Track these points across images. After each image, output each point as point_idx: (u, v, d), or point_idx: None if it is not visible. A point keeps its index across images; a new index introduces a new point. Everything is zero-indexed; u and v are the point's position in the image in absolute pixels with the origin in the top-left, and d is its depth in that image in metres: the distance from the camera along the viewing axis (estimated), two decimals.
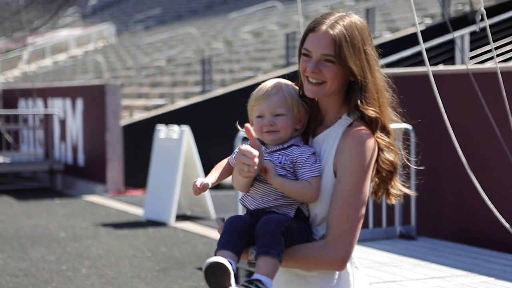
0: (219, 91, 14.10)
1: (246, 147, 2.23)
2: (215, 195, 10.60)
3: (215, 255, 2.22)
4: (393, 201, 2.39)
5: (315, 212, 2.31)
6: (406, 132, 6.45)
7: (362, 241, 6.19)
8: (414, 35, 13.41)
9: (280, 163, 2.31)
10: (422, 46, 4.85)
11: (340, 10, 2.35)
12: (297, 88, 2.39)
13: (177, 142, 9.89)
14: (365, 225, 6.36)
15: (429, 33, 11.91)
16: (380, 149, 2.29)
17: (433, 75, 5.08)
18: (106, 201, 12.06)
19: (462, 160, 4.98)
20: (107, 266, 7.52)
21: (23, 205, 11.82)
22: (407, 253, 5.84)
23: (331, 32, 2.27)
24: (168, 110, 13.71)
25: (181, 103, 14.02)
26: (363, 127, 2.28)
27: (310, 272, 2.30)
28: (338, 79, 2.29)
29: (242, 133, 2.47)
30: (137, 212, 10.82)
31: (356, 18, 2.32)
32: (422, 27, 13.38)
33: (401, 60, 9.91)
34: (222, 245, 2.22)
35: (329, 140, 2.32)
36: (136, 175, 12.77)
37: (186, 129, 9.91)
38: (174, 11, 30.92)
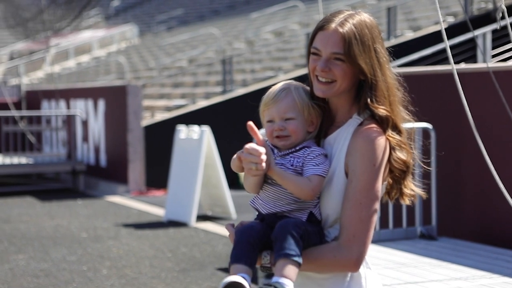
0: (240, 91, 14.09)
1: (251, 145, 2.18)
2: (235, 196, 10.60)
3: (229, 267, 2.20)
4: (407, 201, 2.35)
5: (327, 213, 2.28)
6: (426, 131, 6.39)
7: (382, 241, 6.15)
8: (436, 33, 13.35)
9: (292, 165, 2.27)
10: (447, 44, 4.78)
11: (350, 9, 2.32)
12: (308, 89, 2.35)
13: (197, 143, 9.89)
14: (385, 225, 6.31)
15: (451, 32, 11.80)
16: (392, 148, 2.25)
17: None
18: (127, 202, 12.10)
19: (485, 159, 4.91)
20: (127, 267, 7.53)
21: (45, 205, 11.89)
22: (427, 254, 5.78)
23: (341, 30, 2.24)
24: (189, 111, 13.72)
25: (202, 103, 14.02)
26: (373, 126, 2.25)
27: (322, 274, 2.27)
28: (348, 78, 2.26)
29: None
30: (159, 212, 10.84)
31: (365, 16, 2.29)
32: (445, 26, 13.27)
33: (423, 58, 9.84)
34: (235, 259, 2.20)
35: (340, 140, 2.29)
36: (158, 176, 12.79)
37: (207, 129, 9.90)
38: (196, 12, 30.99)
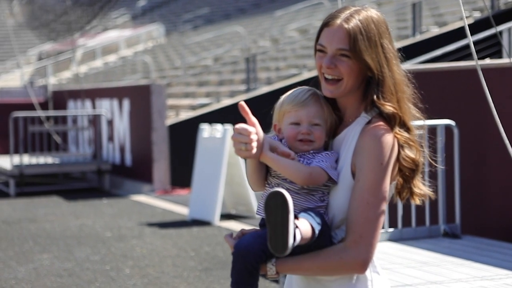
0: (264, 89, 14.05)
1: (241, 125, 2.15)
2: (259, 194, 10.56)
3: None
4: (417, 201, 2.30)
5: (333, 213, 2.23)
6: (449, 128, 6.30)
7: (405, 240, 6.07)
8: (462, 29, 13.17)
9: None
10: (470, 40, 4.70)
11: (356, 5, 2.28)
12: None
13: (220, 141, 9.87)
14: (408, 223, 6.23)
15: (477, 27, 11.67)
16: (400, 146, 2.21)
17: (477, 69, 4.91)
18: (152, 201, 12.12)
19: (511, 155, 4.80)
20: (150, 266, 7.53)
21: (71, 205, 11.95)
22: (450, 252, 5.69)
23: (346, 26, 2.20)
24: (213, 109, 13.71)
25: (226, 102, 14.00)
26: (381, 123, 2.20)
27: (328, 276, 2.23)
28: (355, 75, 2.21)
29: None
30: (183, 211, 10.84)
31: (372, 12, 2.25)
32: (470, 21, 13.11)
33: (447, 54, 9.73)
34: (235, 285, 2.16)
35: (347, 139, 2.25)
36: (183, 174, 12.80)
37: (230, 128, 9.88)
38: (222, 10, 31.01)
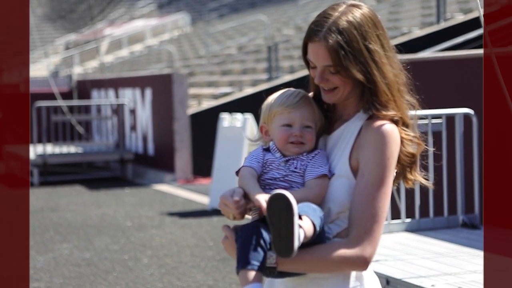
0: (286, 78, 13.97)
1: (224, 194, 2.15)
2: None
3: (237, 273, 2.10)
4: (411, 184, 2.28)
5: (328, 206, 2.18)
6: (467, 116, 6.20)
7: (422, 231, 5.99)
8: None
9: (295, 168, 2.21)
10: (483, 26, 4.59)
11: (343, 3, 2.20)
12: None
13: (240, 130, 9.83)
14: (426, 214, 6.14)
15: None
16: (401, 142, 2.19)
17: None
18: (174, 190, 12.13)
19: None
20: (168, 256, 7.53)
21: (93, 194, 12.00)
22: (468, 243, 5.60)
23: (326, 44, 2.14)
24: (235, 98, 13.66)
25: (248, 91, 13.95)
26: (385, 120, 2.19)
27: (321, 274, 2.18)
28: (349, 82, 2.19)
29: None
30: (204, 201, 10.83)
31: (356, 12, 2.17)
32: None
33: (470, 41, 9.59)
34: (245, 262, 2.06)
35: (347, 133, 2.22)
36: (205, 164, 12.79)
37: (249, 117, 9.83)
38: None
